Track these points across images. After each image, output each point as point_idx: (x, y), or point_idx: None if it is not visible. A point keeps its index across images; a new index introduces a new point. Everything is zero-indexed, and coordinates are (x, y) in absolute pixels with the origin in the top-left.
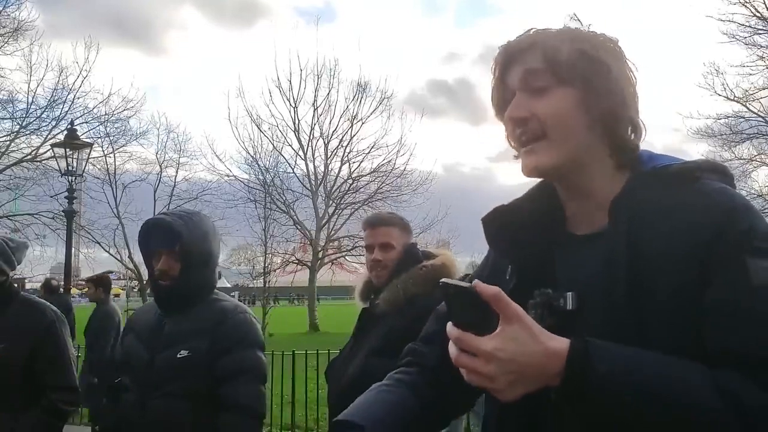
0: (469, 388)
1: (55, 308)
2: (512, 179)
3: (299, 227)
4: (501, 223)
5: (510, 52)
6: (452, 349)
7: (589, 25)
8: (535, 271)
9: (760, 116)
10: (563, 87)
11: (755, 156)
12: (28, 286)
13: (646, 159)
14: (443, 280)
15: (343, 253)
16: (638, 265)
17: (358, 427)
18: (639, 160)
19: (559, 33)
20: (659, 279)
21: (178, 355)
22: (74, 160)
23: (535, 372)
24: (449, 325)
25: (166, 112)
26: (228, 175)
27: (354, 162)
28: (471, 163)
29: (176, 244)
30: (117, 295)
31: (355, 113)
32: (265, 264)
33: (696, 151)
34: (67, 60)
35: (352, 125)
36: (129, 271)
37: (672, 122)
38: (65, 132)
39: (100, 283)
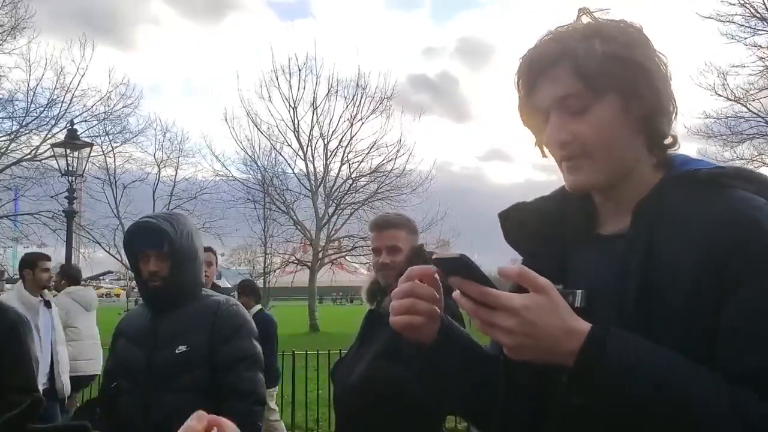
0: None
1: (18, 311)
2: (504, 179)
3: (299, 227)
4: (519, 219)
5: (535, 67)
6: (466, 303)
7: (606, 11)
8: (549, 267)
9: (760, 116)
10: (602, 100)
11: (756, 156)
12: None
13: (680, 163)
14: (434, 256)
15: (343, 254)
16: (652, 270)
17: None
18: (674, 164)
19: (584, 36)
20: (671, 285)
21: (177, 351)
22: (74, 160)
23: (549, 344)
24: (465, 282)
25: (152, 110)
26: (227, 175)
27: (354, 162)
28: (460, 162)
29: (164, 244)
30: (117, 295)
31: (354, 113)
32: (265, 264)
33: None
34: (59, 58)
35: (351, 125)
36: (129, 271)
37: None
38: (65, 131)
39: None
